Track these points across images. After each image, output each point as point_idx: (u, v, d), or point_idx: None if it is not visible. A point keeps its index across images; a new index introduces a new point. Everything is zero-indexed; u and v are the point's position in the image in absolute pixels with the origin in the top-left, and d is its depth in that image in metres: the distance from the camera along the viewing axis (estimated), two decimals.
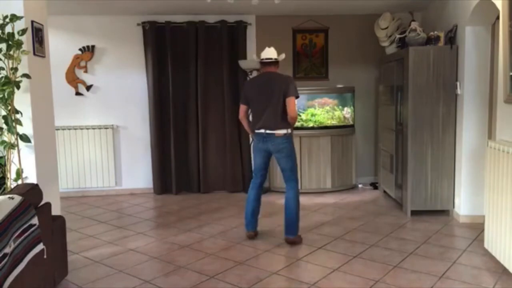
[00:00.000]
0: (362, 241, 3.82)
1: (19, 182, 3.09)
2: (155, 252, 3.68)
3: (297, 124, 5.59)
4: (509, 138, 3.22)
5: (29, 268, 2.40)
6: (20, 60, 3.03)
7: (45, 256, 2.58)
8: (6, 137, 3.07)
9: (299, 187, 3.91)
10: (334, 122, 5.66)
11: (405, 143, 4.53)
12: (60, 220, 3.05)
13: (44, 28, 3.44)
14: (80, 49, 5.58)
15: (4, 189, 3.12)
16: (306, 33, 5.91)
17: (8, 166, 3.10)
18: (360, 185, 5.93)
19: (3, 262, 2.13)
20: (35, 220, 2.50)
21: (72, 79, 5.61)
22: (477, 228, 4.03)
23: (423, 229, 4.12)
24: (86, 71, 5.63)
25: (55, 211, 3.18)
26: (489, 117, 4.22)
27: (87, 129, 5.63)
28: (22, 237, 2.37)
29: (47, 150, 3.46)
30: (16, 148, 3.08)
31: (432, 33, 4.44)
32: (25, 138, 3.09)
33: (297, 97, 3.70)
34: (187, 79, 5.63)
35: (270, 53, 3.79)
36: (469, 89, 4.19)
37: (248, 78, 5.43)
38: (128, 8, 5.25)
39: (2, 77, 2.98)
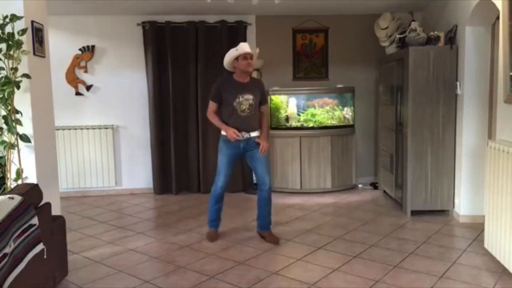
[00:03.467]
0: (362, 241, 3.82)
1: (19, 182, 3.09)
2: (155, 252, 3.68)
3: (297, 124, 5.61)
4: (509, 138, 3.22)
5: (29, 268, 2.40)
6: (20, 60, 3.04)
7: (45, 256, 2.58)
8: (6, 137, 3.08)
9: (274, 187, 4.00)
10: (334, 122, 5.66)
11: (405, 143, 4.53)
12: (60, 220, 3.05)
13: (44, 28, 3.44)
14: (80, 49, 5.57)
15: (4, 189, 3.12)
16: (306, 33, 5.91)
17: (8, 166, 3.10)
18: (360, 185, 5.93)
19: (3, 262, 2.13)
20: (35, 220, 2.50)
21: (72, 79, 5.61)
22: (477, 228, 4.03)
23: (423, 229, 4.12)
24: (86, 71, 5.62)
25: (55, 211, 3.18)
26: (489, 117, 4.21)
27: (87, 129, 5.63)
28: (22, 237, 2.37)
29: (47, 150, 3.46)
30: (16, 148, 3.09)
31: (432, 33, 4.44)
32: (25, 138, 3.09)
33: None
34: (187, 79, 5.63)
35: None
36: (469, 89, 4.19)
37: None
38: (128, 8, 5.25)
39: (2, 77, 2.98)
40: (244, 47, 3.70)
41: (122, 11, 5.41)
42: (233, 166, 3.95)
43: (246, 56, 3.68)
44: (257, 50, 3.80)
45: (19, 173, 3.10)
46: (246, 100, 3.74)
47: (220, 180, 3.88)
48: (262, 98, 3.90)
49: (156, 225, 4.51)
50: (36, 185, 2.79)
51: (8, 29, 2.98)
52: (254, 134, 3.81)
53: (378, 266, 3.27)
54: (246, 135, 3.77)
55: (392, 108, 4.96)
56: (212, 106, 3.85)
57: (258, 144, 3.79)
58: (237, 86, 3.77)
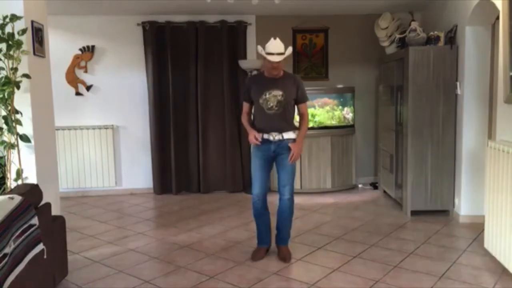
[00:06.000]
0: (362, 241, 3.82)
1: (19, 182, 3.09)
2: (155, 252, 3.68)
3: (297, 124, 5.59)
4: (509, 138, 3.22)
5: (29, 268, 2.39)
6: (20, 60, 3.03)
7: (45, 256, 2.58)
8: (6, 137, 3.07)
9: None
10: (334, 122, 5.66)
11: (405, 143, 4.52)
12: (60, 220, 3.05)
13: (44, 28, 3.44)
14: (80, 49, 5.57)
15: (4, 189, 3.12)
16: (306, 33, 5.91)
17: (8, 166, 3.10)
18: (360, 185, 5.93)
19: (3, 262, 2.13)
20: (35, 220, 2.50)
21: (72, 79, 5.61)
22: (477, 228, 4.02)
23: (423, 229, 4.12)
24: (86, 71, 5.62)
25: (55, 211, 3.18)
26: (489, 117, 4.21)
27: (87, 129, 5.63)
28: (22, 237, 2.36)
29: (47, 150, 3.46)
30: (16, 148, 3.08)
31: (432, 33, 4.44)
32: (25, 138, 3.09)
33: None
34: (187, 79, 5.63)
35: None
36: (469, 89, 4.19)
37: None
38: (128, 8, 5.24)
39: (2, 77, 2.98)
40: (270, 48, 3.24)
41: (122, 11, 5.41)
42: (267, 170, 3.44)
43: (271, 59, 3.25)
44: (290, 49, 3.32)
45: (19, 173, 3.10)
46: (273, 97, 3.30)
47: (255, 188, 3.41)
48: (300, 96, 3.40)
49: (156, 225, 4.51)
50: (36, 185, 2.79)
51: (8, 29, 2.98)
52: (287, 136, 3.35)
53: (378, 266, 3.27)
54: (277, 136, 3.33)
55: (392, 108, 4.96)
56: (244, 106, 3.50)
57: (290, 149, 3.34)
58: (265, 82, 3.37)
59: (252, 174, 3.46)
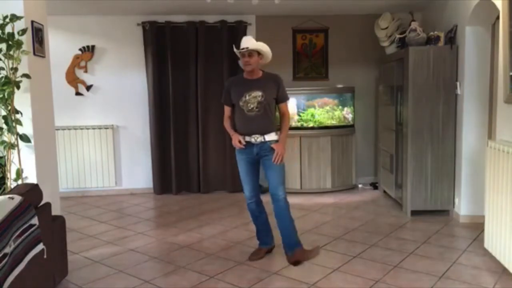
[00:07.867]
0: (362, 241, 3.82)
1: (19, 182, 3.09)
2: (155, 252, 3.68)
3: (297, 124, 5.61)
4: (509, 138, 3.22)
5: (29, 268, 2.39)
6: (20, 60, 3.03)
7: (45, 256, 2.58)
8: (6, 137, 3.07)
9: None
10: (334, 122, 5.66)
11: (405, 143, 4.53)
12: (60, 220, 3.05)
13: (44, 28, 3.44)
14: (80, 49, 5.57)
15: (4, 189, 3.12)
16: (306, 33, 5.91)
17: (8, 166, 3.10)
18: (360, 185, 5.93)
19: (3, 262, 2.13)
20: (35, 220, 2.50)
21: (72, 79, 5.61)
22: (477, 228, 4.02)
23: (423, 229, 4.12)
24: (86, 71, 5.62)
25: (55, 211, 3.18)
26: (489, 117, 4.21)
27: (87, 129, 5.63)
28: (22, 237, 2.37)
29: (47, 150, 3.46)
30: (16, 148, 3.08)
31: (432, 33, 4.44)
32: (25, 138, 3.09)
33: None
34: (187, 79, 5.63)
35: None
36: (469, 89, 4.19)
37: None
38: (128, 8, 5.25)
39: (2, 77, 2.98)
40: (241, 43, 3.31)
41: (122, 11, 5.41)
42: (255, 173, 3.44)
43: (243, 54, 3.28)
44: (260, 43, 3.34)
45: (19, 173, 3.10)
46: (253, 98, 3.28)
47: (246, 190, 3.47)
48: (280, 95, 3.39)
49: (156, 225, 4.51)
50: (36, 185, 2.78)
51: (8, 29, 2.98)
52: (269, 137, 3.31)
53: (378, 266, 3.27)
54: (259, 138, 3.30)
55: (392, 108, 4.96)
56: (225, 110, 3.49)
57: (274, 150, 3.30)
58: (244, 83, 3.37)
59: (241, 178, 3.47)
